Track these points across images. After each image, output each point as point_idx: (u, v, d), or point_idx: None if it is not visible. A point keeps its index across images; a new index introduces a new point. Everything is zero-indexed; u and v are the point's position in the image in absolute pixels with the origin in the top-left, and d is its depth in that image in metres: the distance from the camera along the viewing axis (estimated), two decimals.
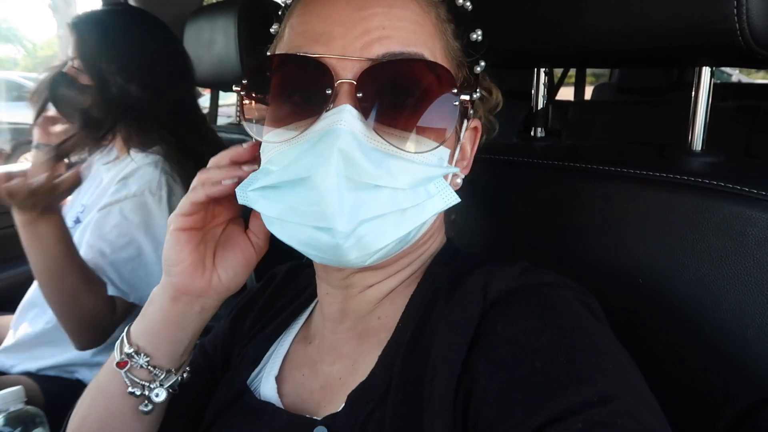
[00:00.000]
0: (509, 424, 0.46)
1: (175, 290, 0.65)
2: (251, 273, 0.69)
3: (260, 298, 0.82)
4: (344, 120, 0.52)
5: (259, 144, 0.60)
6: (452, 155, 0.61)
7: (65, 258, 1.22)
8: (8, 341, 1.47)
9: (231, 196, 0.64)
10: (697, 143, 0.76)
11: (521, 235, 0.82)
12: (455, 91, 0.55)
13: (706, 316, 0.63)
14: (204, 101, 2.89)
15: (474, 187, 0.84)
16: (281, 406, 0.66)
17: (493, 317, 0.54)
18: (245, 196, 0.59)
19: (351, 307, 0.67)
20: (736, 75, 7.11)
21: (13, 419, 0.98)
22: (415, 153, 0.54)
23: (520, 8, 0.83)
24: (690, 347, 0.65)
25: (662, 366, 0.67)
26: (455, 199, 0.58)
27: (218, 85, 1.84)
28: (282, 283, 0.83)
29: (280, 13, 0.65)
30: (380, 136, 0.53)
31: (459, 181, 0.64)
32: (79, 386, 1.40)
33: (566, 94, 3.72)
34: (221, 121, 2.30)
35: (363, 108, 0.53)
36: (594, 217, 0.72)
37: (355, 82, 0.53)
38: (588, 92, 3.95)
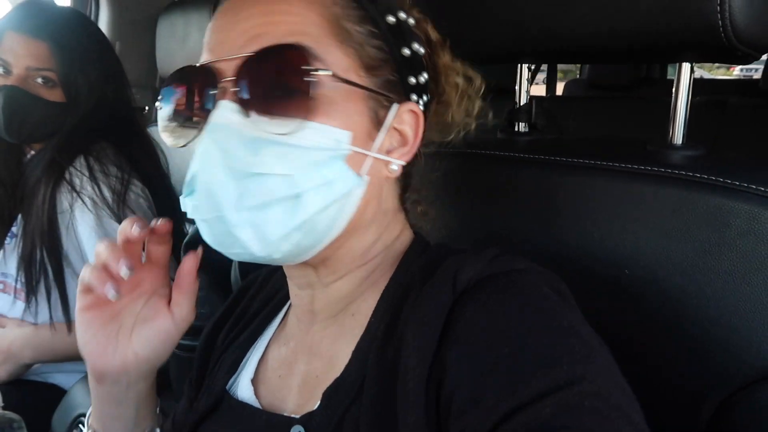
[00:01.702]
0: (480, 411, 0.47)
1: (93, 371, 0.66)
2: (175, 345, 0.68)
3: (236, 307, 0.82)
4: (220, 114, 0.56)
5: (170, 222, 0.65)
6: (367, 139, 0.60)
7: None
8: None
9: (156, 263, 0.66)
10: (678, 137, 0.78)
11: (506, 230, 0.83)
12: (305, 68, 0.55)
13: (691, 304, 0.65)
14: None
15: (458, 182, 0.85)
16: (259, 407, 0.66)
17: (463, 306, 0.55)
18: (184, 203, 0.61)
19: (319, 305, 0.67)
20: (698, 71, 7.30)
21: None
22: (284, 134, 0.55)
23: (504, 3, 0.84)
24: (675, 336, 0.67)
25: (648, 355, 0.69)
26: (359, 184, 0.59)
27: None
28: (257, 288, 0.83)
29: None
30: (254, 124, 0.56)
31: (394, 167, 0.63)
32: (55, 390, 1.38)
33: (536, 90, 3.78)
34: None
35: (239, 100, 0.56)
36: (580, 211, 0.73)
37: (233, 79, 0.56)
38: (559, 88, 4.01)
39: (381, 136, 0.62)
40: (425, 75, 0.66)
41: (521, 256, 0.60)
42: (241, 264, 1.02)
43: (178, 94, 0.61)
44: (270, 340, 0.74)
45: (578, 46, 0.80)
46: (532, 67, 1.00)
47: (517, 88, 0.97)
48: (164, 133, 0.63)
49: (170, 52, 1.82)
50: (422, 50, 0.65)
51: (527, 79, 0.98)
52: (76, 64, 1.31)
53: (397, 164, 0.63)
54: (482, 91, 0.73)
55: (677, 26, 0.67)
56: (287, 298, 0.74)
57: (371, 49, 0.61)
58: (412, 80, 0.64)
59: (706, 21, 0.64)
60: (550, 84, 3.80)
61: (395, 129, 0.63)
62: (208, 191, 0.56)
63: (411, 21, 0.64)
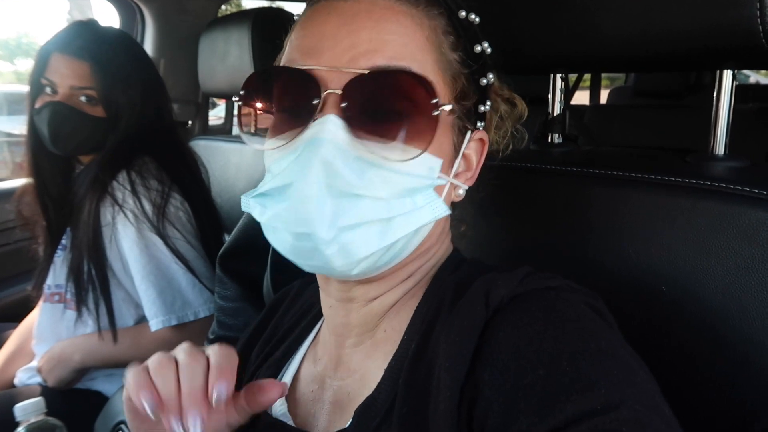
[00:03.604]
0: None
1: None
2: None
3: (269, 321, 0.82)
4: (328, 129, 0.54)
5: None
6: (449, 166, 0.62)
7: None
8: (33, 363, 1.49)
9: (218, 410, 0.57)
10: (720, 148, 0.75)
11: (540, 244, 0.81)
12: (435, 101, 0.56)
13: (732, 326, 0.62)
14: (220, 110, 2.92)
15: (491, 196, 0.84)
16: (293, 424, 0.66)
17: (496, 325, 0.53)
18: (247, 202, 0.61)
19: (355, 321, 0.66)
20: (754, 76, 7.01)
21: (34, 430, 0.98)
22: (397, 162, 0.55)
23: (537, 13, 0.82)
24: (715, 359, 0.63)
25: (686, 378, 0.65)
26: (445, 211, 0.59)
27: (232, 94, 1.85)
28: (291, 302, 0.83)
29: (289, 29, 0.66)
30: (363, 145, 0.54)
31: (461, 192, 0.65)
32: (97, 397, 1.42)
33: (581, 98, 3.70)
34: (236, 131, 2.33)
35: (347, 117, 0.55)
36: (616, 225, 0.71)
37: (340, 92, 0.54)
38: (603, 96, 3.92)
39: (457, 163, 0.63)
40: (489, 103, 0.66)
41: (555, 273, 0.58)
42: (274, 276, 1.03)
43: (269, 93, 0.60)
44: (303, 356, 0.74)
45: (612, 55, 0.78)
46: (566, 77, 0.98)
47: (550, 98, 0.95)
48: (246, 135, 0.61)
49: (211, 67, 1.87)
50: (494, 80, 0.66)
51: (561, 89, 0.96)
52: (117, 83, 1.36)
53: (463, 189, 0.65)
54: (523, 118, 0.73)
55: (716, 32, 0.65)
56: (321, 314, 0.74)
57: (462, 79, 0.62)
58: (482, 108, 0.65)
59: (745, 26, 0.61)
60: (594, 92, 3.72)
61: (464, 155, 0.65)
62: (302, 205, 0.54)
63: (489, 50, 0.65)
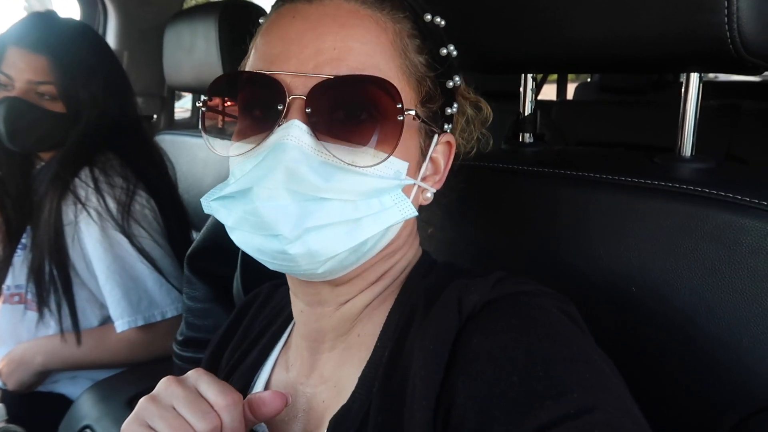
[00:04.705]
0: None
1: None
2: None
3: (239, 325, 0.81)
4: (292, 134, 0.54)
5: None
6: (416, 169, 0.62)
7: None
8: None
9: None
10: (687, 149, 0.76)
11: (510, 245, 0.81)
12: (400, 106, 0.56)
13: (700, 325, 0.63)
14: (186, 102, 2.86)
15: (461, 195, 0.84)
16: None
17: (469, 332, 0.53)
18: (209, 205, 0.61)
19: (327, 326, 0.65)
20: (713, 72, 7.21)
21: None
22: (361, 166, 0.55)
23: (508, 14, 0.82)
24: (684, 357, 0.64)
25: (655, 377, 0.66)
26: (412, 212, 0.59)
27: (199, 89, 1.81)
28: (261, 304, 0.82)
29: (254, 32, 0.65)
30: (328, 149, 0.54)
31: (429, 195, 0.65)
32: (61, 400, 1.38)
33: (547, 92, 3.74)
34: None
35: (312, 123, 0.54)
36: (586, 226, 0.71)
37: (305, 98, 0.54)
38: (569, 90, 3.98)
39: (424, 166, 0.64)
40: (456, 105, 0.67)
41: (527, 278, 0.59)
42: (244, 277, 1.01)
43: (234, 98, 0.60)
44: (275, 363, 0.73)
45: (583, 57, 0.78)
46: (538, 77, 0.98)
47: (521, 97, 0.95)
48: (210, 140, 0.61)
49: (177, 61, 1.82)
50: (461, 82, 0.66)
51: (532, 89, 0.96)
52: (77, 77, 1.31)
53: (431, 192, 0.65)
54: (488, 122, 0.73)
55: (685, 37, 0.66)
56: (291, 317, 0.73)
57: (428, 82, 0.62)
58: (449, 111, 0.65)
59: (714, 32, 0.62)
60: (560, 88, 3.77)
61: (430, 157, 0.65)
62: (267, 207, 0.54)
63: (454, 53, 0.65)
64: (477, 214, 0.85)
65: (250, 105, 0.59)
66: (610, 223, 0.70)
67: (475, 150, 0.74)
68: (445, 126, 0.66)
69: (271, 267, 0.59)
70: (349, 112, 0.56)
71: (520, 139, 0.97)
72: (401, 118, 0.56)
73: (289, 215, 0.53)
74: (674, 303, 0.64)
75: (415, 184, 0.62)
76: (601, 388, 0.48)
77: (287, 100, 0.55)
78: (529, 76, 0.95)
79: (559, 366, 0.48)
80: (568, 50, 0.77)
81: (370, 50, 0.57)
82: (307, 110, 0.54)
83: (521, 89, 0.96)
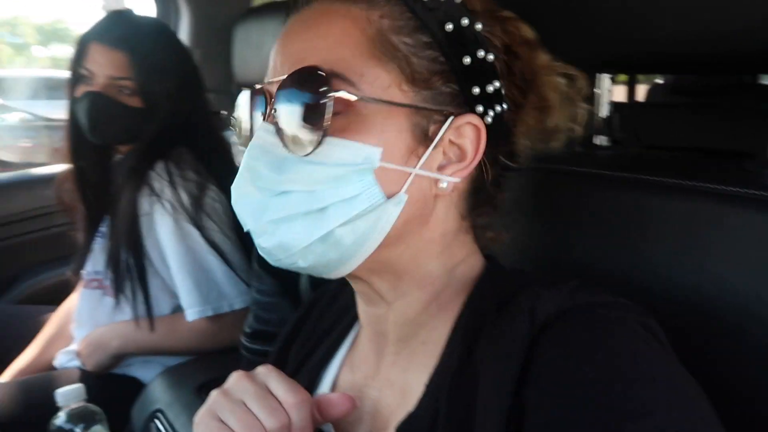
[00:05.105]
0: None
1: None
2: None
3: (306, 321, 0.82)
4: (258, 135, 0.59)
5: None
6: (408, 155, 0.58)
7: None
8: (72, 347, 1.52)
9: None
10: None
11: (585, 254, 0.78)
12: (324, 89, 0.54)
13: None
14: None
15: (532, 201, 0.81)
16: None
17: (543, 343, 0.52)
18: None
19: (389, 327, 0.65)
20: None
21: (74, 416, 1.00)
22: (304, 156, 0.56)
23: (586, 10, 0.80)
24: None
25: (752, 401, 0.62)
26: (381, 199, 0.56)
27: None
28: (328, 302, 0.82)
29: None
30: (286, 144, 0.57)
31: (443, 185, 0.59)
32: (134, 383, 1.45)
33: (617, 91, 3.60)
34: None
35: (276, 123, 0.57)
36: (670, 237, 0.68)
37: (272, 101, 0.58)
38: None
39: (428, 152, 0.58)
40: (496, 83, 0.60)
41: (604, 288, 0.56)
42: None
43: (242, 113, 0.66)
44: (342, 363, 0.73)
45: (662, 56, 0.75)
46: (619, 78, 0.95)
47: (596, 99, 0.92)
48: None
49: (246, 58, 1.87)
50: (491, 56, 0.60)
51: (609, 89, 0.93)
52: (154, 73, 1.36)
53: (447, 181, 0.59)
54: (584, 91, 0.67)
55: None
56: (357, 317, 0.73)
57: (420, 61, 0.57)
58: (476, 90, 0.59)
59: None
60: (631, 89, 3.63)
61: (453, 143, 0.60)
62: (236, 205, 0.61)
63: (478, 26, 0.59)
64: (548, 220, 0.83)
65: (251, 113, 0.64)
66: (696, 234, 0.66)
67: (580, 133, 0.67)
68: (480, 107, 0.60)
69: (271, 263, 0.61)
70: (292, 106, 0.57)
71: (594, 141, 0.94)
72: (324, 101, 0.54)
73: (253, 210, 0.58)
74: (765, 321, 0.61)
75: (409, 172, 0.57)
76: (685, 411, 0.45)
77: (268, 108, 0.60)
78: (606, 76, 0.92)
79: (640, 385, 0.46)
80: (645, 49, 0.74)
81: (332, 44, 0.57)
82: (272, 111, 0.58)
83: (596, 90, 0.93)
